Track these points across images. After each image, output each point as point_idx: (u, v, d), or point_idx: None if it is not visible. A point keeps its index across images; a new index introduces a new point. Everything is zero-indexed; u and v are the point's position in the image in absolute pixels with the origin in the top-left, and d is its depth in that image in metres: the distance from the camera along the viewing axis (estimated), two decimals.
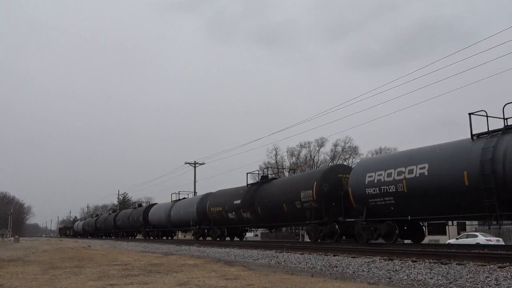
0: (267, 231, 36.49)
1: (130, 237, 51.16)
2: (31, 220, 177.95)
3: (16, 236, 54.51)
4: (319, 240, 19.50)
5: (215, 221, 29.11)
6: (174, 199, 38.57)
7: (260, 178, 26.31)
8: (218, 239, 28.86)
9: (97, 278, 8.25)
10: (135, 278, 8.11)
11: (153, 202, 46.23)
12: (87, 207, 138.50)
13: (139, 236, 52.10)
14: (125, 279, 8.03)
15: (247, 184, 26.59)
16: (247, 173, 27.90)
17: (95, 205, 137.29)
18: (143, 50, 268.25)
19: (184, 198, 38.25)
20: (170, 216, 36.26)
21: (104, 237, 61.28)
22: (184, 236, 56.52)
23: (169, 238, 40.92)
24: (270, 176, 28.09)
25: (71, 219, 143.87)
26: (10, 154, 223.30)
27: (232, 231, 29.22)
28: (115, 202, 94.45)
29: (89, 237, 70.93)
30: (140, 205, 49.93)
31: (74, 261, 12.78)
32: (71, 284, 7.39)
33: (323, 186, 19.08)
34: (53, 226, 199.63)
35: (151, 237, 42.13)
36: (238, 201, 25.82)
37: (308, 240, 31.07)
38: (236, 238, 30.02)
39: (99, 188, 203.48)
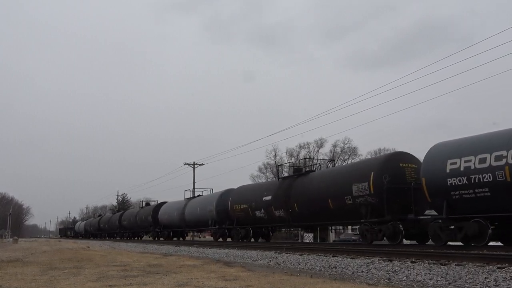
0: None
1: (136, 238, 49.09)
2: (30, 221, 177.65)
3: (15, 237, 54.35)
4: (372, 242, 17.19)
5: (238, 220, 26.41)
6: (187, 196, 36.08)
7: (293, 171, 23.26)
8: (241, 240, 26.20)
9: (96, 279, 8.24)
10: (134, 279, 8.10)
11: (163, 201, 43.67)
12: (86, 207, 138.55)
13: (146, 237, 49.47)
14: (124, 280, 8.02)
15: (278, 178, 24.08)
16: (277, 166, 25.67)
17: (94, 205, 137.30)
18: (143, 50, 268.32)
19: (199, 195, 35.31)
20: (184, 215, 33.74)
21: (108, 238, 58.99)
22: (199, 237, 54.48)
23: (181, 239, 38.58)
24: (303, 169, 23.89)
25: (70, 220, 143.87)
26: (9, 154, 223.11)
27: (258, 231, 26.52)
28: (114, 202, 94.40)
29: (91, 238, 68.38)
30: (147, 204, 47.06)
31: (73, 262, 12.76)
32: (70, 285, 7.38)
33: (382, 178, 16.26)
34: (52, 227, 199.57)
35: (161, 238, 39.66)
36: (268, 198, 22.96)
37: (308, 241, 30.57)
38: (259, 239, 27.26)
39: (98, 189, 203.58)
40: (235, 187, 29.47)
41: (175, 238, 38.40)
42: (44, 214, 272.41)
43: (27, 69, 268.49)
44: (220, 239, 28.81)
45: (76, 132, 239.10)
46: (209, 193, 34.17)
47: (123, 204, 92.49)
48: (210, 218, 29.37)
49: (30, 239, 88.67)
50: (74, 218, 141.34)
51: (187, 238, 41.38)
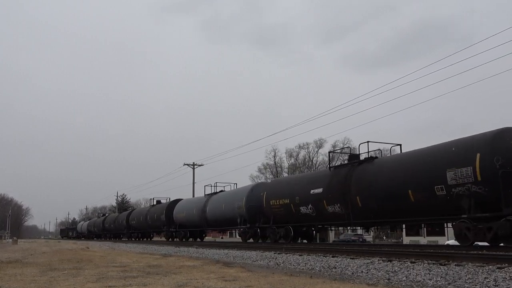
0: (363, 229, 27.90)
1: (147, 239, 45.60)
2: (29, 222, 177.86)
3: (15, 238, 54.29)
4: (474, 243, 13.59)
5: (276, 218, 22.73)
6: (207, 192, 31.89)
7: (348, 158, 19.74)
8: (279, 240, 22.51)
9: (96, 279, 8.24)
10: (134, 280, 8.10)
11: (177, 198, 39.82)
12: (86, 208, 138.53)
13: (156, 238, 47.21)
14: (123, 280, 8.02)
15: (330, 167, 20.58)
16: (329, 152, 21.36)
17: (94, 206, 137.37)
18: (143, 50, 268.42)
19: (221, 191, 31.26)
20: (205, 213, 30.09)
21: (114, 238, 55.49)
22: (222, 238, 51.14)
23: (199, 239, 34.96)
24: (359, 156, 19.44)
25: (70, 221, 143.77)
26: (9, 155, 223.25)
27: (300, 229, 22.65)
28: (114, 203, 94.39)
29: (95, 238, 65.32)
30: (158, 202, 43.00)
31: (73, 263, 12.75)
32: (69, 286, 7.38)
33: (494, 160, 12.77)
34: (52, 228, 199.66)
35: (176, 239, 35.90)
36: (319, 190, 19.41)
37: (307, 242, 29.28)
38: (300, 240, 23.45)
39: (97, 190, 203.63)
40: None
41: (191, 239, 34.89)
42: (44, 215, 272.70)
43: (27, 69, 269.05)
44: (251, 240, 25.73)
45: (76, 133, 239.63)
46: (232, 188, 30.95)
47: (122, 205, 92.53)
48: (240, 215, 25.78)
49: (29, 240, 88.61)
50: (74, 218, 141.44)
51: (207, 238, 38.52)
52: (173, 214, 35.81)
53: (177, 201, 37.89)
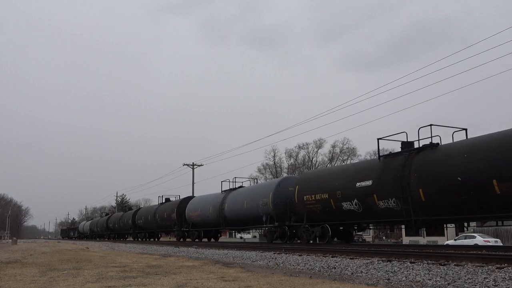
0: None
1: (154, 239, 43.24)
2: (29, 222, 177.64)
3: (14, 238, 54.27)
4: None
5: (310, 216, 20.25)
6: (225, 188, 29.05)
7: (401, 146, 16.92)
8: (313, 241, 20.53)
9: (95, 280, 8.24)
10: (133, 280, 8.10)
11: (188, 195, 37.02)
12: (85, 209, 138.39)
13: (165, 238, 45.64)
14: (123, 281, 8.02)
15: (380, 156, 17.65)
16: (378, 139, 17.60)
17: (93, 206, 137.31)
18: (143, 52, 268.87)
19: (240, 186, 28.61)
20: (223, 210, 27.53)
21: (118, 239, 53.44)
22: (242, 238, 48.93)
23: (213, 240, 32.93)
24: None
25: (69, 221, 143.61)
26: (8, 155, 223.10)
27: (337, 228, 20.44)
28: (113, 203, 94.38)
29: (98, 239, 62.95)
30: (168, 200, 40.27)
31: (72, 263, 12.74)
32: (69, 286, 7.38)
33: None
34: (51, 228, 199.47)
35: (188, 239, 33.38)
36: (367, 183, 17.07)
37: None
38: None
39: (97, 190, 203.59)
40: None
41: (205, 240, 32.36)
42: (43, 215, 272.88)
43: (26, 69, 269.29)
44: (278, 240, 22.89)
45: (75, 133, 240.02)
46: (252, 183, 29.17)
47: (122, 205, 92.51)
48: (265, 213, 22.99)
49: (29, 240, 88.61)
50: (74, 219, 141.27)
51: (221, 238, 36.31)
52: (185, 212, 33.05)
53: (189, 198, 35.33)
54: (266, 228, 23.56)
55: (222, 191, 29.32)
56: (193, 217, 31.91)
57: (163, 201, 40.45)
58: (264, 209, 23.10)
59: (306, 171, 23.23)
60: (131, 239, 48.58)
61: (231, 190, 28.40)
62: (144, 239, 44.51)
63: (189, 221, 32.59)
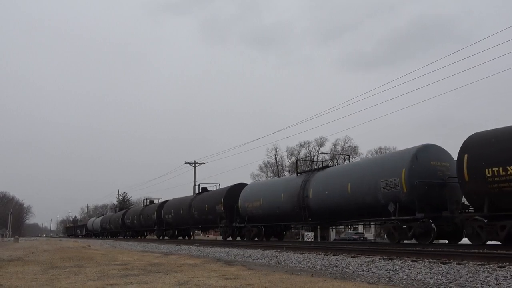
0: None
1: (186, 238, 37.42)
2: (30, 220, 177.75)
3: (16, 236, 54.45)
4: None
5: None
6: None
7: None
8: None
9: (97, 278, 8.25)
10: (135, 278, 8.10)
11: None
12: (87, 207, 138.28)
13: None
14: (125, 278, 8.03)
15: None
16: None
17: (95, 205, 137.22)
18: (143, 51, 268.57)
19: (327, 166, 23.45)
20: (307, 198, 21.55)
21: (137, 237, 47.46)
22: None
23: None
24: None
25: (71, 219, 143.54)
26: (10, 154, 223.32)
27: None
28: (115, 201, 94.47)
29: (110, 237, 56.04)
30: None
31: (74, 261, 12.76)
32: (71, 284, 7.39)
33: None
34: (53, 226, 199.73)
35: (238, 238, 27.91)
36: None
37: (308, 240, 29.21)
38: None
39: (98, 188, 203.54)
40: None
41: (275, 238, 26.91)
42: (45, 213, 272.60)
43: (26, 69, 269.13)
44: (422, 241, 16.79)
45: (75, 133, 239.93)
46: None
47: (124, 203, 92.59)
48: (392, 199, 16.80)
49: (31, 238, 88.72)
50: (75, 217, 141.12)
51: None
52: (238, 203, 27.90)
53: (241, 185, 30.42)
54: (397, 222, 16.44)
55: (297, 173, 24.46)
56: (251, 209, 25.89)
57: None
58: (390, 193, 16.69)
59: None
60: (153, 237, 43.34)
61: (313, 170, 22.76)
62: (172, 238, 38.11)
63: (243, 214, 26.55)
